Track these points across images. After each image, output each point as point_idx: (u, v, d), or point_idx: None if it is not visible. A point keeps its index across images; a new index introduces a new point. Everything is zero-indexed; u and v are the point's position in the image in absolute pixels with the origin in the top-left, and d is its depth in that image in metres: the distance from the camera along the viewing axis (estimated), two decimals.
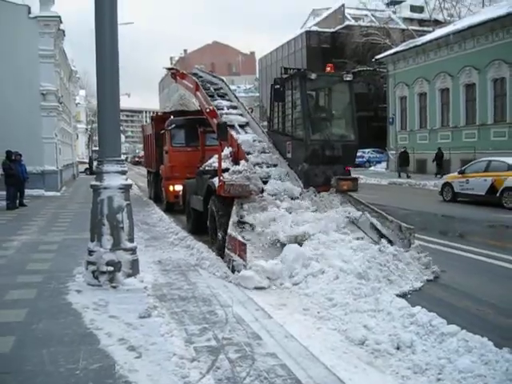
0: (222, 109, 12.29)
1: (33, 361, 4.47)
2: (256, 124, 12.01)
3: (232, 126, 11.47)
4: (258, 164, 10.07)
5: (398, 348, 4.87)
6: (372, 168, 41.64)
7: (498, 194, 17.22)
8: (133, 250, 7.16)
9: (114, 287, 6.80)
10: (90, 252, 7.03)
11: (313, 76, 9.93)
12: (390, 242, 8.62)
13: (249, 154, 10.31)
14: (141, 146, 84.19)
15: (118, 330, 5.22)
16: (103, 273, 6.86)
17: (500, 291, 7.29)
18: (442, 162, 30.03)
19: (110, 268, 6.86)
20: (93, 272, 6.93)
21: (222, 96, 13.34)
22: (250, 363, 4.49)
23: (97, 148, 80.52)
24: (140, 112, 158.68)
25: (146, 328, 5.29)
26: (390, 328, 5.22)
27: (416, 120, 36.20)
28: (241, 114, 12.10)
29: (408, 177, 30.07)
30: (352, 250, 7.81)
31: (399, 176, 31.06)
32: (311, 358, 4.66)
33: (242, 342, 5.01)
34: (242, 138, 10.97)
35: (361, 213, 9.33)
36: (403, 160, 31.82)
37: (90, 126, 66.03)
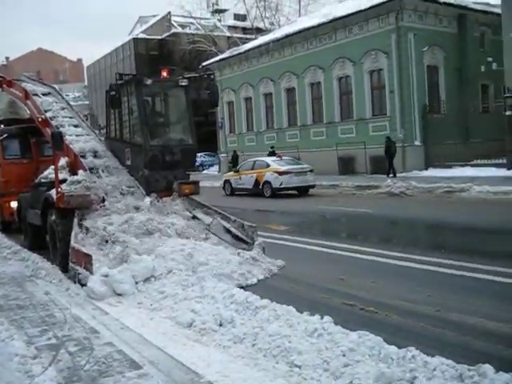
0: (37, 94, 12.31)
1: None
2: (92, 131, 11.96)
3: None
4: (92, 169, 9.92)
5: (220, 325, 5.62)
6: (205, 171, 42.93)
7: (260, 187, 22.27)
8: None
9: None
10: None
11: (148, 82, 9.99)
12: (245, 242, 9.28)
13: (83, 157, 10.16)
14: None
15: None
16: None
17: (315, 272, 8.38)
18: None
19: None
20: None
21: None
22: (89, 353, 4.97)
23: None
24: None
25: None
26: (213, 309, 5.97)
27: (243, 123, 38.12)
28: (76, 125, 11.77)
29: None
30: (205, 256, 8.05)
31: None
32: (145, 343, 5.26)
33: (80, 336, 5.44)
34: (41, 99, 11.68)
35: (212, 218, 9.70)
36: None
37: None
